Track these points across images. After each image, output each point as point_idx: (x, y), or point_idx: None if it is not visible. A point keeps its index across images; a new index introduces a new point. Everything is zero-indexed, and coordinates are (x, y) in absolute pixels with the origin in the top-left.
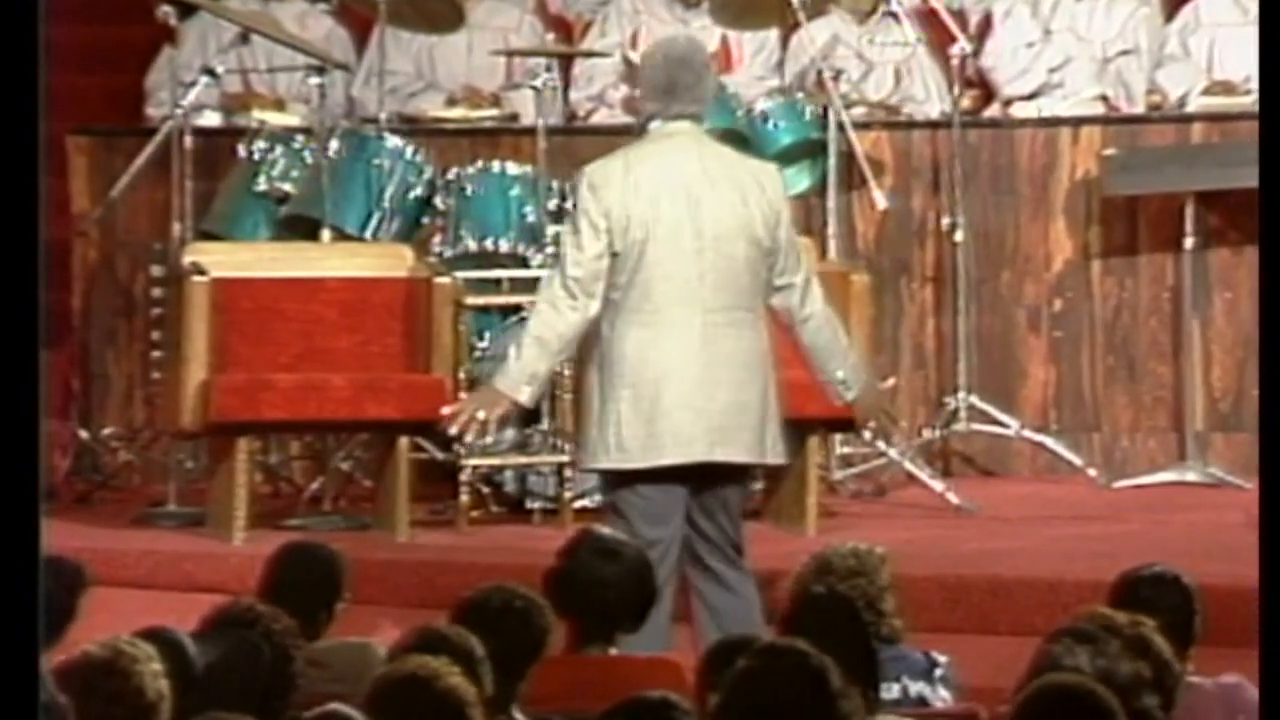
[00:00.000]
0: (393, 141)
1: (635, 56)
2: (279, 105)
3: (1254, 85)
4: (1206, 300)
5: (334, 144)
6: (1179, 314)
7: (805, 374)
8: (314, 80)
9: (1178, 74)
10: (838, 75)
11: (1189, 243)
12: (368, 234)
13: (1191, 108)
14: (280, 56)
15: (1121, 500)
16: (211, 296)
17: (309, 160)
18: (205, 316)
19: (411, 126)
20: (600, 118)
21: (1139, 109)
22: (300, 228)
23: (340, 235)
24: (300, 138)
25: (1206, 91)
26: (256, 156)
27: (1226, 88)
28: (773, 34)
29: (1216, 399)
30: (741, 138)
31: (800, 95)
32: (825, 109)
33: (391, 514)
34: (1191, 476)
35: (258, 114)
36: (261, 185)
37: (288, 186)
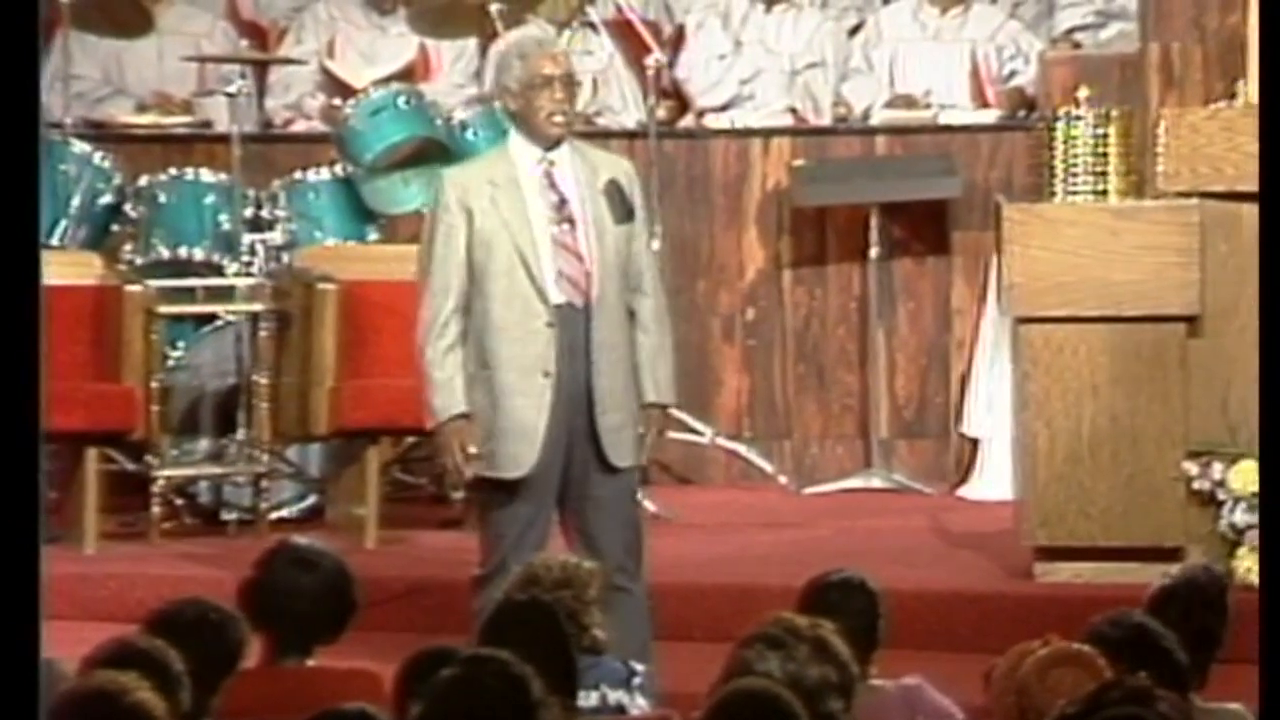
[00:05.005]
0: (80, 147)
1: (330, 64)
2: None
3: (934, 99)
4: (891, 310)
5: None
6: (865, 323)
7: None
8: None
9: (861, 87)
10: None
11: (874, 253)
12: (54, 241)
13: (875, 120)
14: None
15: (812, 506)
16: None
17: None
18: None
19: (99, 132)
20: (298, 126)
21: (826, 121)
22: None
23: None
24: None
25: (889, 105)
26: None
27: (908, 101)
28: (471, 43)
29: (900, 406)
30: (441, 146)
31: (498, 104)
32: None
33: (79, 526)
34: (876, 483)
35: None
36: None
37: None
